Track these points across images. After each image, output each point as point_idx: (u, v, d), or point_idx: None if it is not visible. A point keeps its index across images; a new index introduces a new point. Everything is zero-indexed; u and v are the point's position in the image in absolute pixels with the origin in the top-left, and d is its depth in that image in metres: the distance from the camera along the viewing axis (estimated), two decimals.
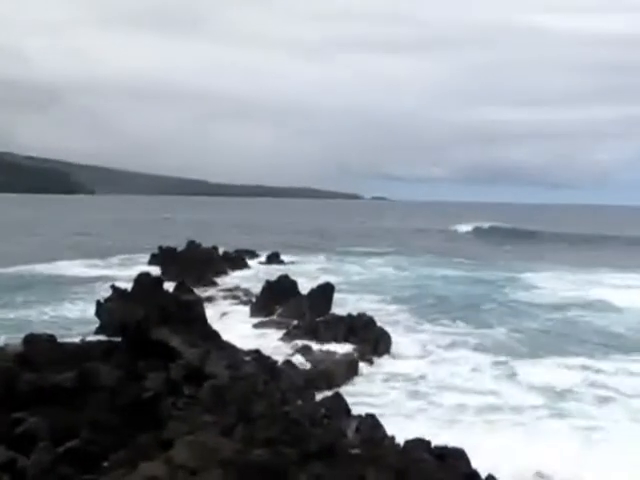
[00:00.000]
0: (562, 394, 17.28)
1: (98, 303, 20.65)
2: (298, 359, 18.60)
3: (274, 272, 32.85)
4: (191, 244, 40.45)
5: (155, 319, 15.44)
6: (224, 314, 26.01)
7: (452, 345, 22.48)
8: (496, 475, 10.73)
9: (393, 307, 29.23)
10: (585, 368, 19.67)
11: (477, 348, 22.17)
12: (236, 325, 24.18)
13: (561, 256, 55.38)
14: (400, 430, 13.23)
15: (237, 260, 42.78)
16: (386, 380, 18.51)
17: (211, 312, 24.80)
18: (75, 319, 25.29)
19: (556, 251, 60.23)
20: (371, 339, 21.22)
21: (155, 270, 31.70)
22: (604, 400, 16.92)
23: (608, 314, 29.64)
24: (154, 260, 39.59)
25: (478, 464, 10.74)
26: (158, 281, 20.72)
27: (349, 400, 14.21)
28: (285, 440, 9.37)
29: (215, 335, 18.43)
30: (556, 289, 36.68)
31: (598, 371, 19.43)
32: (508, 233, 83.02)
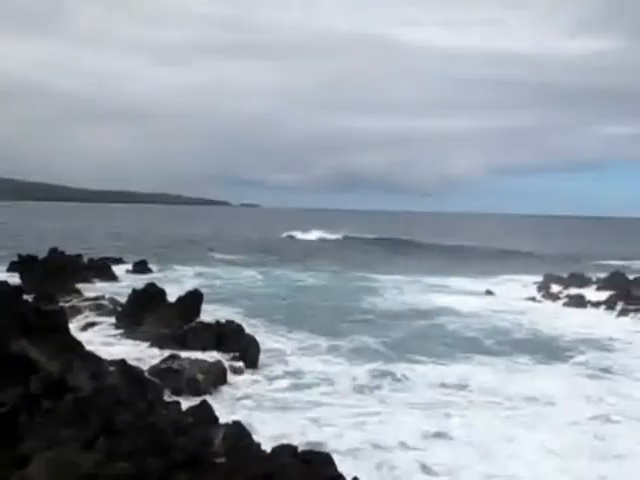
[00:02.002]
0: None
1: None
2: (165, 368, 18.31)
3: (141, 280, 32.25)
4: (53, 251, 38.91)
5: (13, 330, 14.76)
6: (89, 324, 25.20)
7: (315, 353, 22.83)
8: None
9: (261, 315, 29.24)
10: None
11: (339, 355, 22.54)
12: (101, 335, 23.55)
13: (415, 263, 56.92)
14: (267, 437, 13.42)
15: (103, 268, 41.54)
16: (254, 388, 18.56)
17: (75, 322, 24.08)
18: None
19: (411, 259, 61.70)
20: (240, 347, 21.18)
21: (14, 279, 30.29)
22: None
23: (456, 319, 31.00)
24: (12, 268, 37.81)
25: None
26: (17, 290, 19.80)
27: (216, 408, 14.14)
28: (150, 451, 9.20)
29: (78, 346, 17.80)
30: (409, 296, 38.23)
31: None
32: (369, 241, 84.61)
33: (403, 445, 14.40)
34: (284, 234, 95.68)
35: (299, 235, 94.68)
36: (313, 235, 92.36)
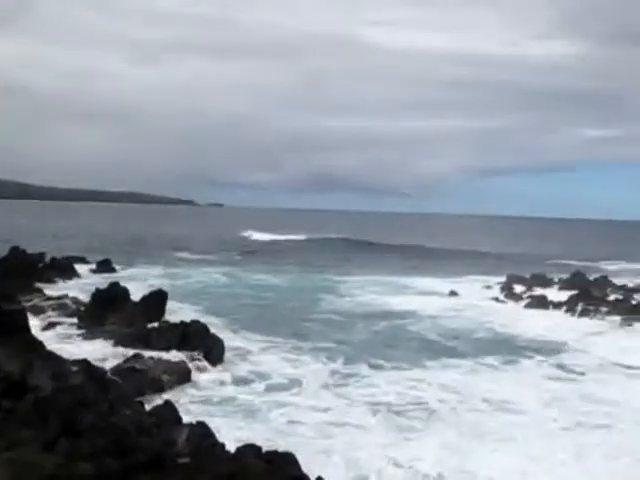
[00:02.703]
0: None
1: None
2: (128, 367, 18.16)
3: (105, 279, 31.94)
4: (15, 250, 38.33)
5: None
6: (51, 324, 24.87)
7: (279, 353, 22.74)
8: None
9: (224, 315, 29.08)
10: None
11: (303, 356, 22.46)
12: (63, 335, 23.27)
13: (380, 264, 56.94)
14: (232, 438, 13.38)
15: (66, 268, 41.05)
16: (218, 388, 18.49)
17: (37, 322, 23.76)
18: None
19: (377, 259, 61.68)
20: (204, 347, 21.08)
21: None
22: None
23: (420, 320, 31.09)
24: None
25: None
26: None
27: (180, 408, 14.07)
28: (112, 452, 9.12)
29: (39, 345, 17.55)
30: (372, 297, 38.24)
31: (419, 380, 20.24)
32: (340, 242, 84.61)
33: (369, 444, 14.44)
34: (241, 234, 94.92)
35: (254, 235, 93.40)
36: (268, 236, 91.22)
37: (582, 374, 21.62)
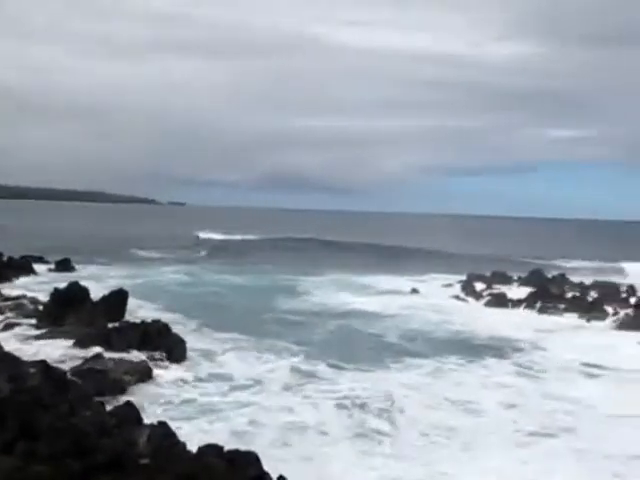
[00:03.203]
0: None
1: None
2: (89, 368, 17.96)
3: (64, 279, 31.50)
4: None
5: None
6: (8, 325, 24.46)
7: (240, 352, 22.55)
8: None
9: (185, 314, 28.77)
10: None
11: (264, 355, 22.29)
12: (21, 336, 22.90)
13: (341, 263, 56.64)
14: (193, 437, 13.33)
15: (23, 267, 40.46)
16: (180, 388, 18.37)
17: None
18: None
19: (338, 258, 61.25)
20: (166, 346, 20.95)
21: None
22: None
23: (381, 319, 31.22)
24: None
25: None
26: None
27: (141, 409, 13.97)
28: (71, 453, 9.02)
29: None
30: (337, 297, 37.97)
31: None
32: (303, 241, 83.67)
33: (331, 445, 14.46)
34: (197, 233, 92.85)
35: (210, 235, 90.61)
36: (222, 236, 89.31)
37: (542, 372, 21.81)
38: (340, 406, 17.15)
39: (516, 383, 20.37)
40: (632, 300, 35.48)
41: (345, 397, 17.86)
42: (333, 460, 13.68)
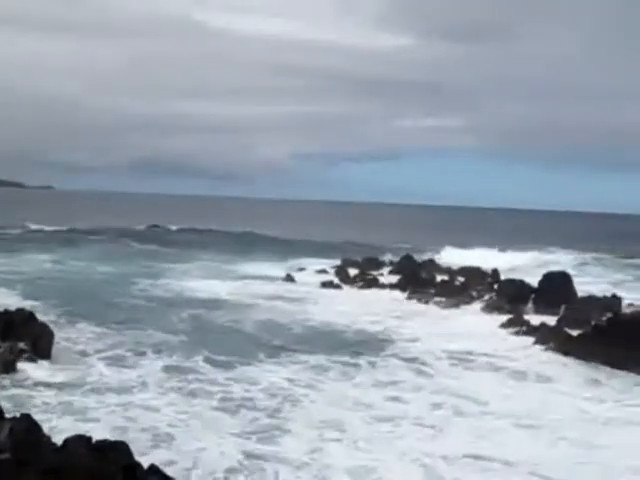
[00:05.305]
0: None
1: None
2: None
3: None
4: None
5: None
6: None
7: (107, 346, 21.76)
8: None
9: (48, 303, 27.69)
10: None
11: (133, 348, 21.54)
12: None
13: (217, 251, 55.90)
14: (60, 430, 12.89)
15: None
16: (44, 380, 17.64)
17: None
18: None
19: (216, 246, 60.10)
20: (31, 337, 20.04)
21: None
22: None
23: (254, 309, 30.35)
24: None
25: None
26: None
27: (3, 402, 13.35)
28: None
29: None
30: (207, 286, 36.92)
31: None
32: (165, 230, 79.56)
33: (209, 439, 14.19)
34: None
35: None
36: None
37: (413, 361, 21.54)
38: (224, 403, 16.66)
39: (394, 373, 20.15)
40: (496, 286, 37.07)
41: (229, 395, 17.26)
42: (209, 452, 13.47)
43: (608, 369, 21.32)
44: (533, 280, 34.00)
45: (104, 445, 10.25)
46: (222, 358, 20.78)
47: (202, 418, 15.51)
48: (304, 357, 21.68)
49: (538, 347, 24.31)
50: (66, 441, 10.45)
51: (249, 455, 13.42)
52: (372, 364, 21.21)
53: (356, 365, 21.07)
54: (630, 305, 32.71)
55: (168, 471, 10.87)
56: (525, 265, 49.16)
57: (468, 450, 14.15)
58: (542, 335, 25.15)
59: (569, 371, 21.41)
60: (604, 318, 24.75)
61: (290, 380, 18.89)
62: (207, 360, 20.52)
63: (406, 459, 13.64)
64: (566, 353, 22.99)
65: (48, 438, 10.46)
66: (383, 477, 12.90)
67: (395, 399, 17.69)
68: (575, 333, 24.40)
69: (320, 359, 21.42)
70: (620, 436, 15.45)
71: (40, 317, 21.63)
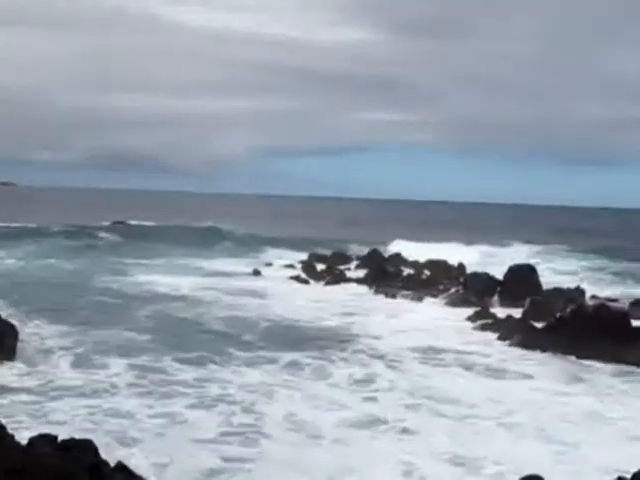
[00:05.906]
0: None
1: None
2: None
3: None
4: None
5: None
6: None
7: (75, 344, 21.33)
8: None
9: (10, 300, 26.97)
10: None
11: (99, 347, 21.07)
12: None
13: (177, 247, 54.92)
14: (25, 429, 12.67)
15: None
16: (8, 380, 17.27)
17: None
18: None
19: (176, 242, 58.85)
20: None
21: None
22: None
23: (218, 305, 29.98)
24: None
25: None
26: None
27: None
28: None
29: None
30: (170, 283, 36.11)
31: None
32: (124, 226, 77.79)
33: (178, 438, 13.98)
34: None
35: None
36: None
37: (382, 358, 21.25)
38: (201, 402, 16.35)
39: (366, 372, 19.75)
40: (462, 279, 37.35)
41: (203, 395, 16.92)
42: (177, 450, 13.28)
43: (574, 359, 21.77)
44: (499, 270, 34.35)
45: (70, 444, 10.10)
46: (191, 356, 20.36)
47: (175, 419, 15.22)
48: (265, 354, 21.32)
49: (504, 340, 24.48)
50: (31, 440, 10.30)
51: (226, 459, 13.04)
52: (336, 362, 20.70)
53: (328, 361, 20.66)
54: (593, 297, 33.29)
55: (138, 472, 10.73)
56: (482, 259, 48.75)
57: (447, 450, 13.91)
58: (508, 328, 25.37)
59: (537, 364, 21.48)
60: (568, 310, 25.04)
61: (262, 381, 18.42)
62: (176, 359, 19.98)
63: (390, 461, 13.28)
64: (531, 345, 23.24)
65: (11, 437, 10.29)
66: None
67: (369, 399, 17.28)
68: (540, 325, 24.69)
69: (286, 357, 20.82)
70: (596, 431, 15.29)
71: (3, 315, 21.24)
